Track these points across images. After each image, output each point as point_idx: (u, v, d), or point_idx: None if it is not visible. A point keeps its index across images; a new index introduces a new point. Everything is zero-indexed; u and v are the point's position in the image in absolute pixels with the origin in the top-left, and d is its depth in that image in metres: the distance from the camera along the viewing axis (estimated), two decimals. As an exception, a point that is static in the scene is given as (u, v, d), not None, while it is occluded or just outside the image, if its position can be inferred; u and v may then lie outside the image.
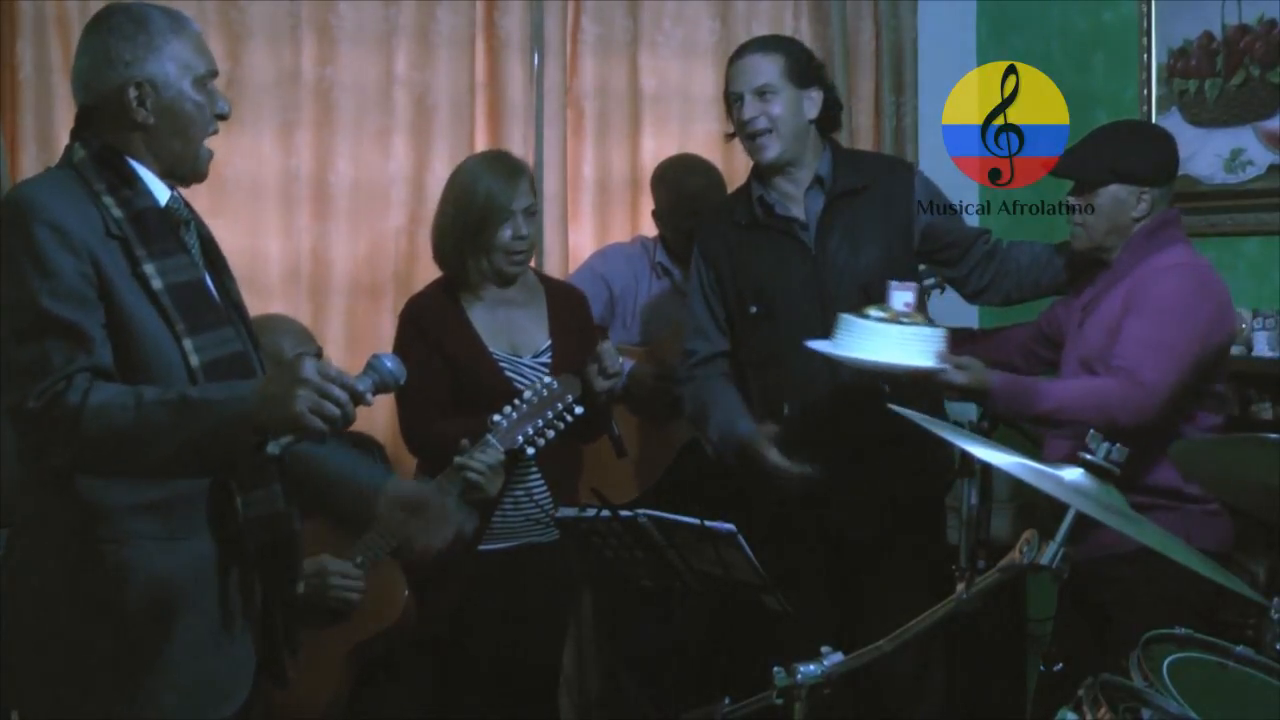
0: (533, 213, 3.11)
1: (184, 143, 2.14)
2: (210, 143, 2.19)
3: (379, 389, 2.05)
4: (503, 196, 3.04)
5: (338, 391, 1.91)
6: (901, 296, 2.83)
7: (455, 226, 3.08)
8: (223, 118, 2.18)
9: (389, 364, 2.07)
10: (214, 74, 2.18)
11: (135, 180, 2.10)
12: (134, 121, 2.10)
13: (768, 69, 3.06)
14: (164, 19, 2.14)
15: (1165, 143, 3.01)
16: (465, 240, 3.07)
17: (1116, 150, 2.92)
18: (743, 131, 3.09)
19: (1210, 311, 2.82)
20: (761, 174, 3.16)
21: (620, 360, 3.04)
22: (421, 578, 2.97)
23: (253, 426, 1.94)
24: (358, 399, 1.96)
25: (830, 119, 3.16)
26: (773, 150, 3.07)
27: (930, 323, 2.79)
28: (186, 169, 2.16)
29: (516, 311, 3.15)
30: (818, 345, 2.84)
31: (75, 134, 2.15)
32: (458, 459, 2.83)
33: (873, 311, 2.76)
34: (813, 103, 3.10)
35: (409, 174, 3.76)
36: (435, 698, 3.15)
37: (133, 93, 2.09)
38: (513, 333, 3.14)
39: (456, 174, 3.18)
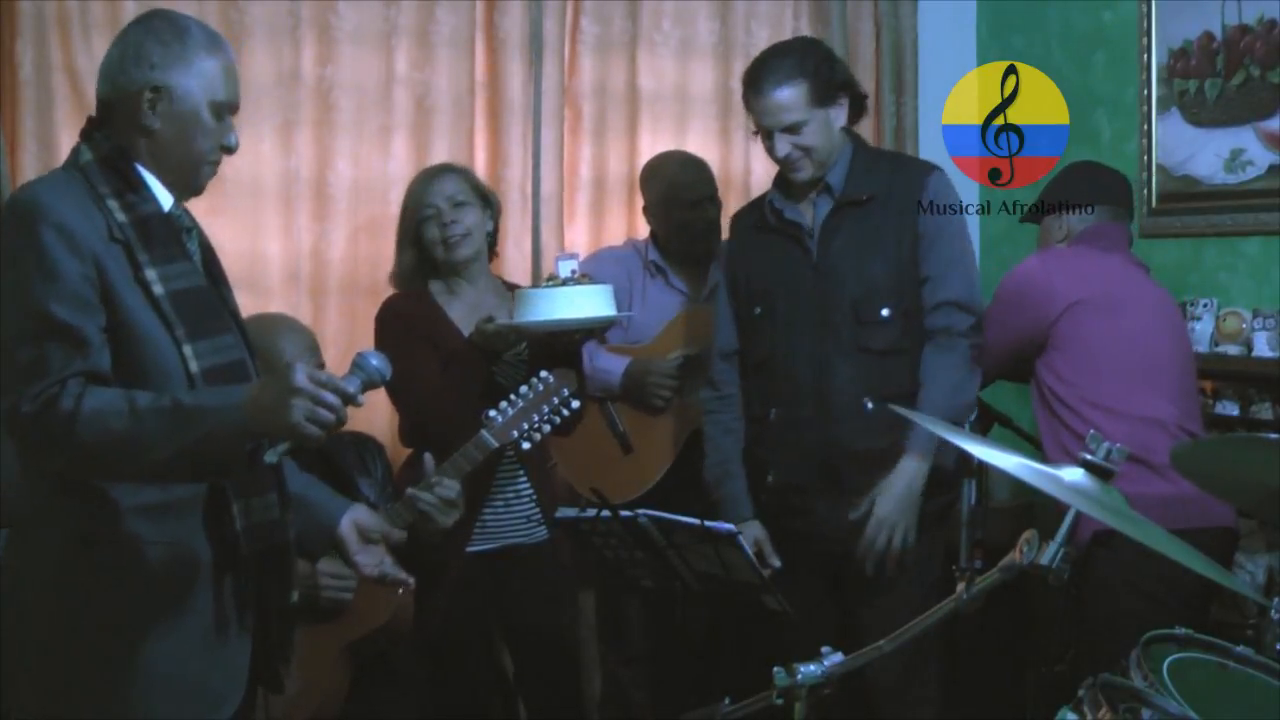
0: (459, 203, 3.18)
1: (182, 158, 2.14)
2: None
3: (367, 387, 2.05)
4: (423, 194, 3.19)
5: (330, 397, 1.92)
6: (567, 265, 3.03)
7: (403, 232, 3.24)
8: (229, 151, 2.19)
9: (374, 361, 2.07)
10: (234, 107, 2.19)
11: (141, 186, 2.11)
12: (142, 125, 2.11)
13: (792, 104, 2.97)
14: (204, 37, 2.15)
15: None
16: (409, 241, 3.20)
17: None
18: (776, 160, 3.05)
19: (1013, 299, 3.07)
20: (779, 177, 3.14)
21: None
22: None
23: (247, 435, 1.94)
24: (349, 401, 1.96)
25: (856, 114, 3.10)
26: (807, 172, 3.03)
27: (595, 282, 3.04)
28: (182, 184, 2.17)
29: (486, 308, 3.18)
30: (501, 322, 3.00)
31: (85, 134, 2.15)
32: (409, 490, 2.84)
33: (544, 281, 3.05)
34: (840, 111, 3.03)
35: (409, 174, 3.73)
36: (432, 699, 3.17)
37: (148, 95, 2.10)
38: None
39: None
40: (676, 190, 3.58)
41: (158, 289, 2.04)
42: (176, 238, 2.13)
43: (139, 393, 1.96)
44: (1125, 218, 3.22)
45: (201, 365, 2.05)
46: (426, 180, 3.23)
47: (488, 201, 3.26)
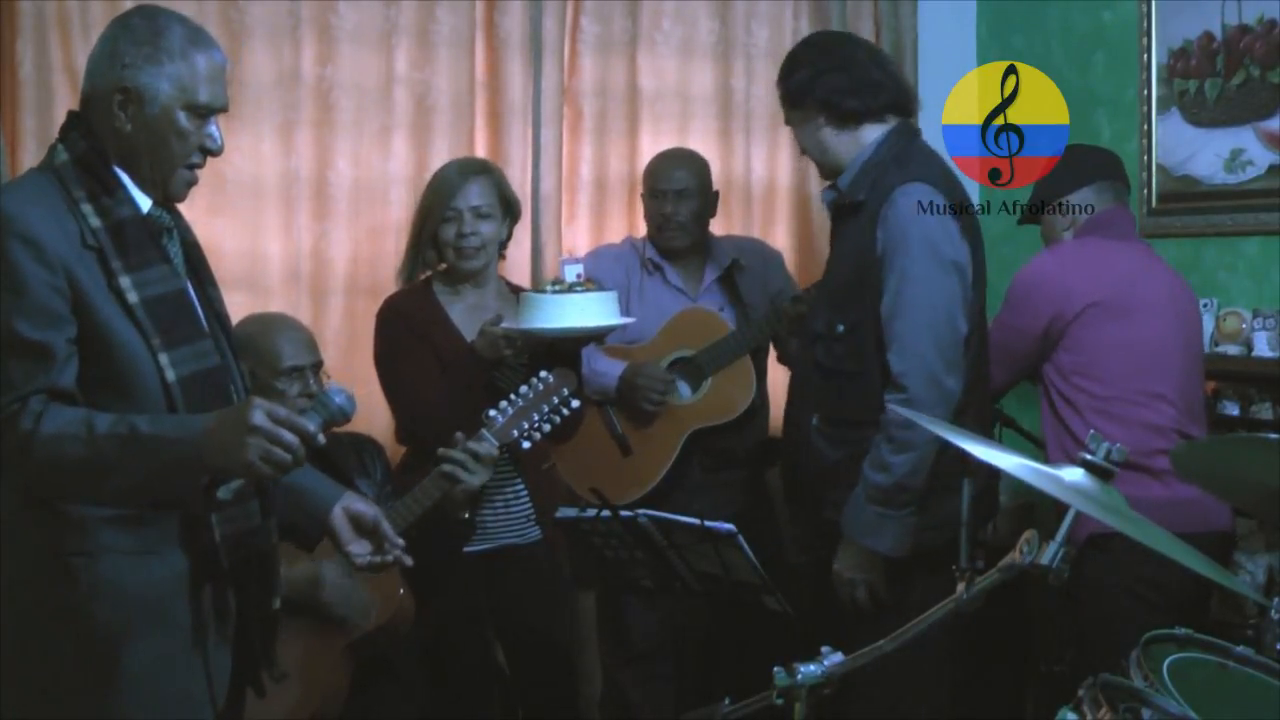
0: (483, 215, 3.15)
1: (152, 163, 2.08)
2: None
3: (328, 425, 2.02)
4: (448, 196, 3.15)
5: (288, 436, 1.89)
6: (573, 269, 3.04)
7: (417, 223, 3.22)
8: (211, 153, 2.12)
9: (338, 399, 2.04)
10: (216, 109, 2.11)
11: (118, 188, 2.06)
12: (113, 126, 2.06)
13: (781, 102, 3.01)
14: (183, 37, 2.07)
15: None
16: (424, 236, 3.19)
17: None
18: None
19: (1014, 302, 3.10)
20: None
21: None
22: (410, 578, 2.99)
23: (202, 470, 1.92)
24: (308, 440, 1.92)
25: (846, 113, 2.88)
26: (819, 169, 3.04)
27: (602, 288, 3.05)
28: (155, 191, 2.10)
29: (488, 312, 3.16)
30: (508, 325, 2.99)
31: (62, 133, 2.11)
32: (441, 452, 2.84)
33: (549, 286, 3.04)
34: (813, 112, 2.91)
35: (409, 174, 3.76)
36: (432, 699, 3.17)
37: (118, 97, 2.05)
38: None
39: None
40: (651, 180, 3.59)
41: (131, 297, 2.00)
42: (154, 240, 2.08)
43: (100, 416, 1.93)
44: (1124, 194, 3.20)
45: (178, 373, 2.02)
46: (458, 180, 3.18)
47: (509, 209, 3.25)
